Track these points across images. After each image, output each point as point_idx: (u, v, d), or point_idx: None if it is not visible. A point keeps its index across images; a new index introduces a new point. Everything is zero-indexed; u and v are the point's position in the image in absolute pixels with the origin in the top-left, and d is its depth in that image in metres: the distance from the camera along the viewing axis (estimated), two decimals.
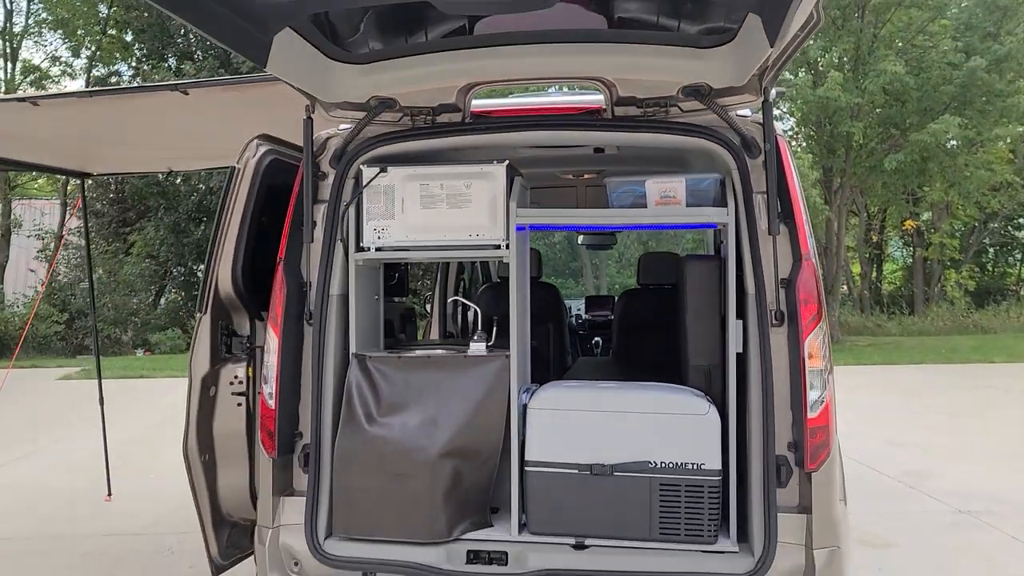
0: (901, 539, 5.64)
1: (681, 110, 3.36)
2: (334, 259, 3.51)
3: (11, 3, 26.69)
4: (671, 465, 3.23)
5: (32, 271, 26.84)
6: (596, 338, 6.95)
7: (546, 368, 5.12)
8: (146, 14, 22.95)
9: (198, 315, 3.74)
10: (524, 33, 3.13)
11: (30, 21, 26.55)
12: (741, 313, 3.30)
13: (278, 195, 3.67)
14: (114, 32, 25.19)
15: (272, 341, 3.43)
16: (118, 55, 25.21)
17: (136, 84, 24.54)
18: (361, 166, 3.53)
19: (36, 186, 29.61)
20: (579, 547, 3.26)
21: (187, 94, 4.00)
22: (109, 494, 6.83)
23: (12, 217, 26.79)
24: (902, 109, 17.13)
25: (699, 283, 3.72)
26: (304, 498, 3.40)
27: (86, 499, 6.82)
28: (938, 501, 6.57)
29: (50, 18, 25.84)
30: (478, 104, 3.55)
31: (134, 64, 24.83)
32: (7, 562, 5.50)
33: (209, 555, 3.83)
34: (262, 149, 3.69)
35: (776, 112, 19.19)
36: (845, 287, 27.76)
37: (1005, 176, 20.21)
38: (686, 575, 3.15)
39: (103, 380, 14.03)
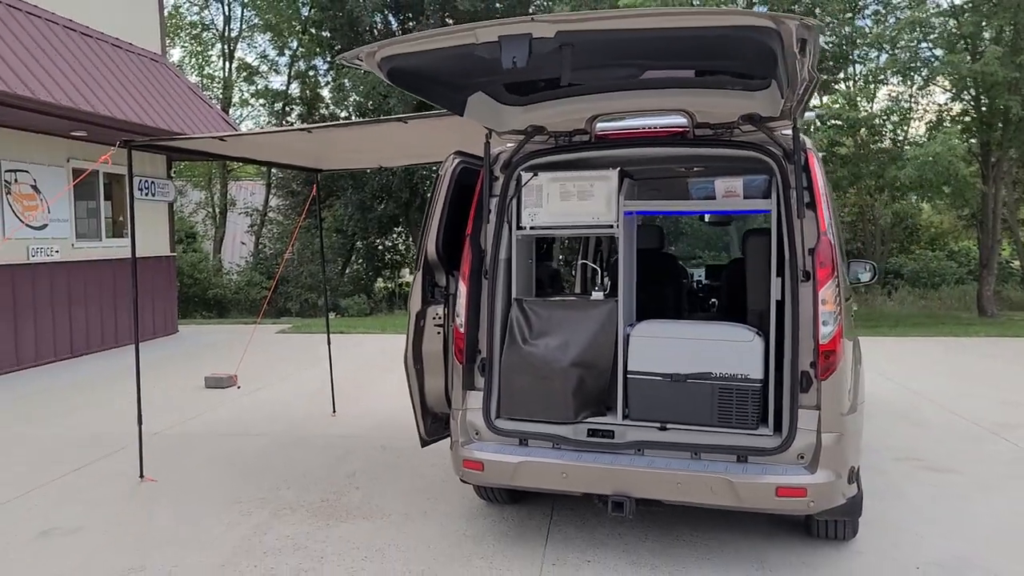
0: (963, 468, 6.59)
1: (741, 131, 4.75)
2: (502, 234, 5.11)
3: (229, 11, 30.86)
4: (726, 376, 4.64)
5: (243, 243, 30.86)
6: (713, 299, 8.33)
7: None
8: (339, 14, 25.63)
9: (414, 273, 5.56)
10: (632, 81, 4.67)
11: (243, 26, 30.57)
12: (780, 272, 4.67)
13: (465, 190, 5.38)
14: (313, 31, 28.31)
15: (462, 289, 5.09)
16: (317, 50, 28.38)
17: (332, 76, 27.53)
18: (520, 171, 5.09)
19: (238, 166, 33.41)
20: (662, 428, 4.74)
21: (406, 123, 5.85)
22: (334, 412, 9.03)
23: (228, 197, 30.83)
24: None
25: (755, 251, 5.14)
26: (481, 392, 5.03)
27: (316, 416, 8.86)
28: (1012, 444, 7.32)
29: (260, 23, 29.54)
30: (601, 128, 5.02)
31: (329, 59, 27.90)
32: (274, 447, 7.58)
33: (419, 433, 5.62)
34: (456, 160, 5.37)
35: (932, 88, 19.16)
36: (1018, 261, 26.65)
37: None
38: (734, 447, 4.58)
39: (311, 334, 16.93)
